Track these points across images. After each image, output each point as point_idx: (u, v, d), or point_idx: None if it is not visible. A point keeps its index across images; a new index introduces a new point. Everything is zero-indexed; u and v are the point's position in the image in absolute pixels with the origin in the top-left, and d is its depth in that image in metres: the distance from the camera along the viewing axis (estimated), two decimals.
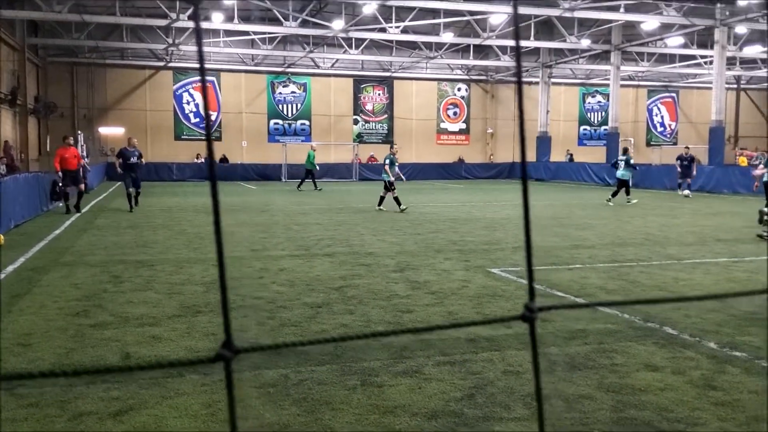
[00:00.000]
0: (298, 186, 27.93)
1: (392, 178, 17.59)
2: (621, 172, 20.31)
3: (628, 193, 20.15)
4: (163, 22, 28.95)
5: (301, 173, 28.87)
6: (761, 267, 9.35)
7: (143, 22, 30.00)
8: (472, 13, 30.66)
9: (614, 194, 20.30)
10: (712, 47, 30.13)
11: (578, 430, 3.88)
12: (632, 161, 20.71)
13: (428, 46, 38.02)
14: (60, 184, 17.28)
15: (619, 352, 5.37)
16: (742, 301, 7.05)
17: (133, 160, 17.52)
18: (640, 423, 3.98)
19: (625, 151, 21.24)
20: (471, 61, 39.95)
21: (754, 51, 37.09)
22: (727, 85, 29.08)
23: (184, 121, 38.74)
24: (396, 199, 17.45)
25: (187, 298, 7.27)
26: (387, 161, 17.81)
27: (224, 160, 38.40)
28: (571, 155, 41.40)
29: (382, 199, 17.88)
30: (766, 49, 35.73)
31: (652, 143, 46.34)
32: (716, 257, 10.25)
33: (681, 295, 7.38)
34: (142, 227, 13.97)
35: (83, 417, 4.07)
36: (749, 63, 41.71)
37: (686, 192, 23.63)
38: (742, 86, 46.94)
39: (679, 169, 24.65)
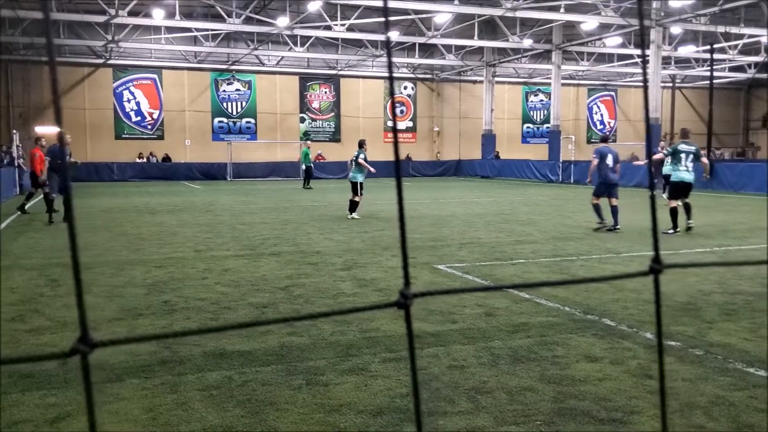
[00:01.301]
0: (303, 185, 28.03)
1: (363, 179, 15.33)
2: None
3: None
4: (101, 18, 28.18)
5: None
6: (692, 259, 9.71)
7: (81, 18, 29.14)
8: (416, 11, 30.84)
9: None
10: (648, 47, 31.11)
11: (521, 422, 3.95)
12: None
13: (374, 44, 38.08)
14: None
15: (560, 344, 5.49)
16: (677, 293, 7.30)
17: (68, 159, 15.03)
18: (580, 413, 4.08)
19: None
20: (416, 60, 40.20)
21: (688, 51, 38.46)
22: (662, 84, 30.06)
23: (125, 120, 37.80)
24: (356, 204, 15.33)
25: (127, 301, 7.10)
26: (363, 156, 15.33)
27: (167, 159, 37.65)
28: (497, 153, 41.92)
29: (355, 203, 15.38)
30: (699, 48, 37.06)
31: (592, 141, 47.49)
32: (652, 250, 10.58)
33: (616, 286, 7.59)
34: (81, 229, 13.56)
35: (19, 425, 3.94)
36: (684, 62, 43.22)
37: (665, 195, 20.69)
38: (677, 85, 48.59)
39: (653, 169, 21.41)
